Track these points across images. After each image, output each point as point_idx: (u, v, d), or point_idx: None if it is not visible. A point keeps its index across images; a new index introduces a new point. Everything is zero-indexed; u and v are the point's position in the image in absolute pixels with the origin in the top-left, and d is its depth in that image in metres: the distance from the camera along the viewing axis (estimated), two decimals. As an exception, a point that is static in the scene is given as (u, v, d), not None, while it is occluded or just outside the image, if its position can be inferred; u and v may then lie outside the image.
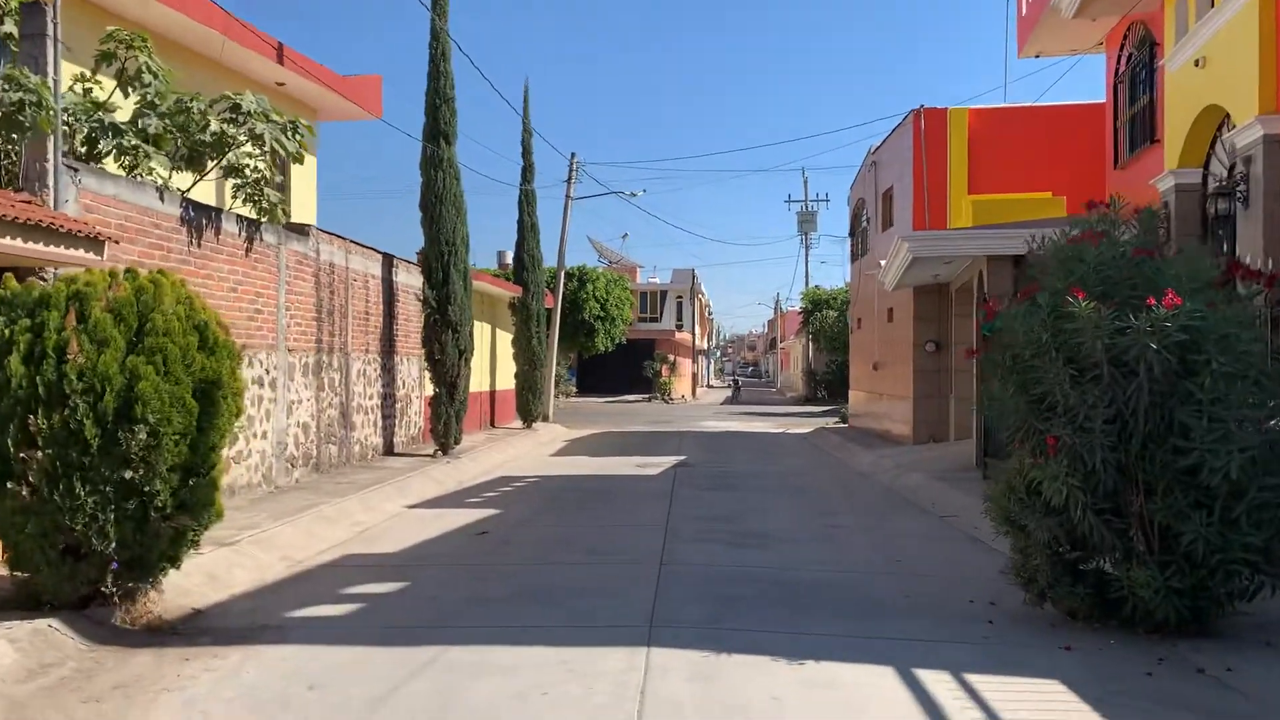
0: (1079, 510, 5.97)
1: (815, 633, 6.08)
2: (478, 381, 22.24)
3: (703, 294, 66.53)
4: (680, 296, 60.35)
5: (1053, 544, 6.21)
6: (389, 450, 16.23)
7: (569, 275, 36.50)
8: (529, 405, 23.92)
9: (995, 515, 6.60)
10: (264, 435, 11.51)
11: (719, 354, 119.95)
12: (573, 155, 28.51)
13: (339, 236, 14.32)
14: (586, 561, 8.21)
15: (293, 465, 12.32)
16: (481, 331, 22.80)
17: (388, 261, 16.28)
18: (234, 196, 11.10)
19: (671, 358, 51.35)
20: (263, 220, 11.37)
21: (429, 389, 16.73)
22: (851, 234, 26.08)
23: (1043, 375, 6.07)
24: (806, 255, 51.84)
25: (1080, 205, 14.03)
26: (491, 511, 11.21)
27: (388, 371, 16.20)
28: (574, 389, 49.87)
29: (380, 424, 15.79)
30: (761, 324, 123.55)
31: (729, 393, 63.27)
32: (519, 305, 23.73)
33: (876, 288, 22.12)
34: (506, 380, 24.26)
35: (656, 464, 16.75)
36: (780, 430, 27.88)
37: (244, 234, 11.11)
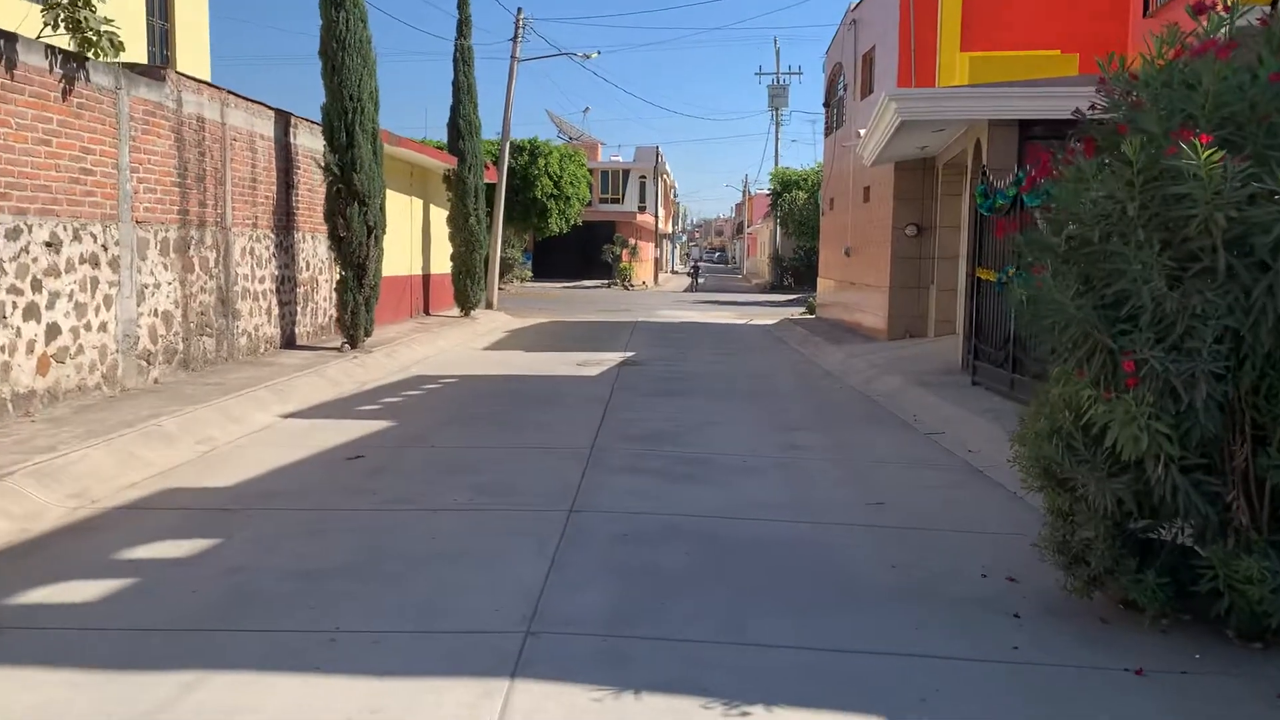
0: (1160, 466, 4.04)
1: (765, 643, 4.15)
2: (406, 264, 19.98)
3: (667, 174, 63.70)
4: (644, 177, 57.58)
5: (1116, 512, 4.28)
6: (289, 343, 14.06)
7: (519, 149, 33.79)
8: (466, 291, 21.70)
9: (1029, 466, 4.65)
10: (102, 327, 9.30)
11: (685, 238, 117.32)
12: (519, 11, 25.62)
13: (212, 85, 11.83)
14: (469, 506, 6.22)
15: (148, 363, 10.16)
16: (412, 207, 20.40)
17: (283, 120, 13.80)
18: (46, 19, 8.63)
19: (633, 242, 49.00)
20: (87, 55, 8.93)
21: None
22: (826, 104, 23.66)
23: (1122, 267, 4.03)
24: (777, 133, 49.10)
25: (1094, 63, 11.80)
26: (382, 424, 9.17)
27: (285, 250, 13.90)
28: (529, 274, 47.58)
29: (276, 312, 13.58)
30: (730, 208, 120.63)
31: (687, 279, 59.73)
32: (454, 179, 21.25)
33: (852, 164, 19.90)
34: (444, 263, 21.97)
35: (599, 361, 14.75)
36: (742, 321, 25.95)
37: (59, 71, 8.66)
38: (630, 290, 45.71)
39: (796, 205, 39.29)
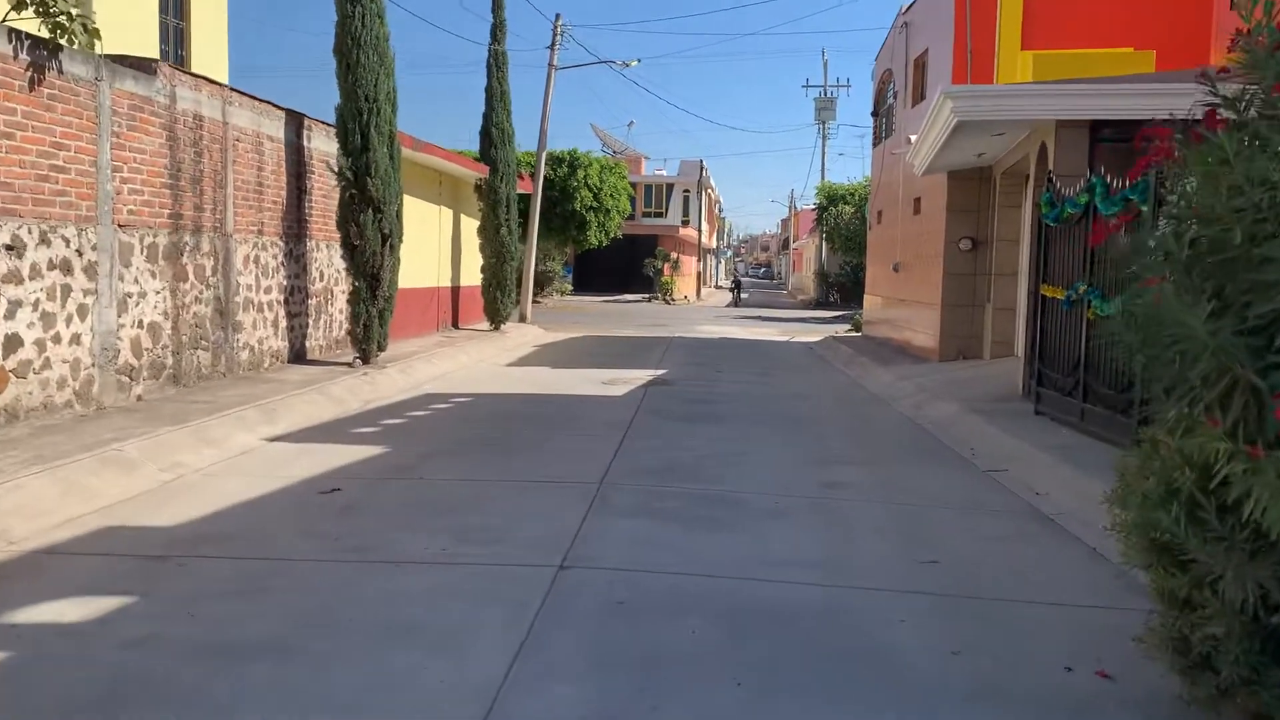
0: (1324, 550, 2.97)
1: (787, 772, 3.14)
2: (433, 275, 19.20)
3: (711, 188, 62.75)
4: (687, 191, 56.75)
5: (1257, 605, 3.21)
6: (299, 357, 13.27)
7: (558, 160, 33.03)
8: (496, 304, 20.86)
9: (1133, 538, 3.58)
10: (75, 339, 8.52)
11: (730, 253, 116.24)
12: (557, 17, 24.84)
13: (212, 82, 11.08)
14: (440, 558, 5.26)
15: (131, 378, 9.36)
16: (441, 217, 19.64)
17: (295, 122, 13.04)
18: (10, 0, 7.89)
19: (674, 255, 48.07)
20: (60, 42, 8.18)
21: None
22: (875, 113, 22.56)
23: (1274, 279, 2.97)
24: (824, 147, 47.91)
25: (1173, 60, 10.57)
26: (373, 450, 8.27)
27: (295, 259, 13.12)
28: (569, 287, 46.86)
29: (284, 324, 12.79)
30: (776, 223, 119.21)
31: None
32: (486, 188, 20.46)
33: (902, 174, 18.79)
34: (475, 275, 21.16)
35: (628, 380, 13.77)
36: (784, 338, 24.85)
37: (25, 57, 7.90)
38: (671, 305, 44.74)
39: (842, 220, 38.10)
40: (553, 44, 24.73)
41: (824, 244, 43.62)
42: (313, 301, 13.68)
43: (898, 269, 19.24)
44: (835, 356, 19.06)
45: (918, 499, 7.07)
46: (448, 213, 20.14)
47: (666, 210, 56.59)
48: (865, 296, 24.10)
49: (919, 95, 17.75)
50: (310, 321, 13.64)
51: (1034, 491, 7.35)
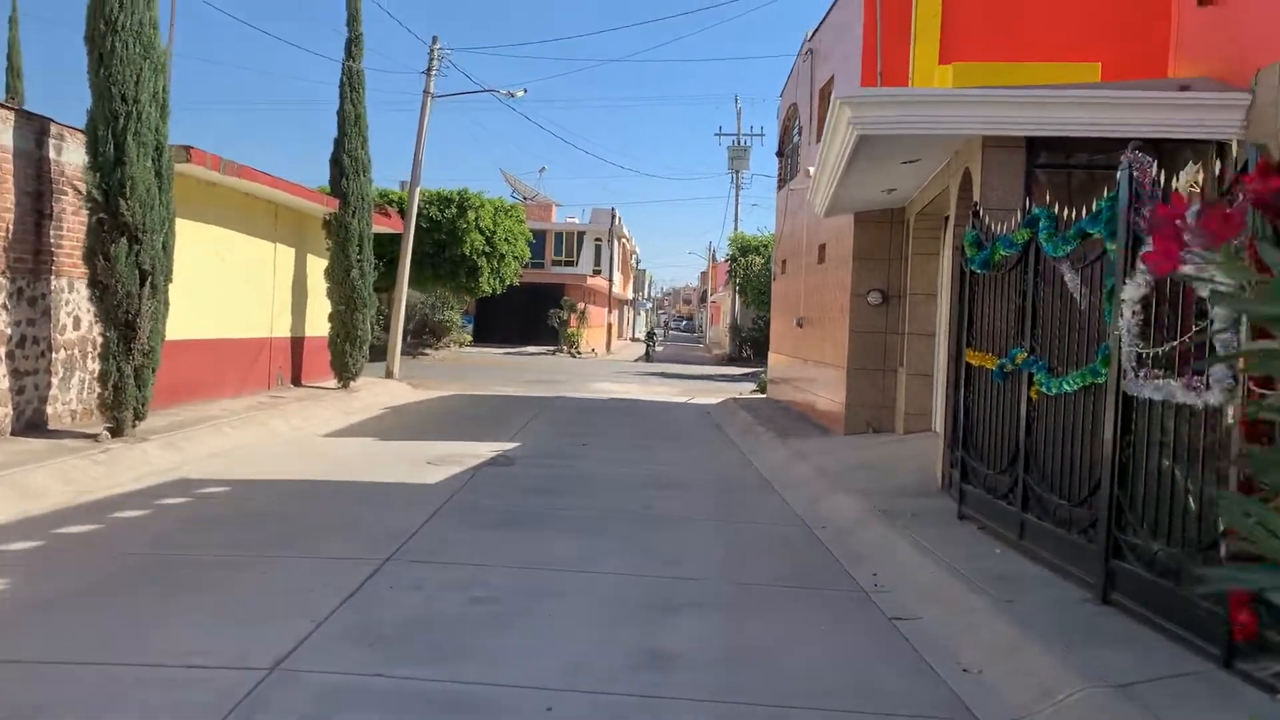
0: None
1: None
2: (264, 324, 16.34)
3: (626, 237, 60.70)
4: (599, 239, 54.57)
5: None
6: (34, 425, 10.33)
7: (445, 200, 30.38)
8: (345, 357, 18.00)
9: None
10: None
11: (650, 305, 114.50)
12: (434, 39, 22.36)
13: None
14: None
15: None
16: (277, 256, 16.82)
17: (32, 126, 10.23)
18: None
19: (581, 306, 45.61)
20: None
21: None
22: (780, 153, 20.46)
23: None
24: (737, 197, 46.28)
25: (1125, 76, 8.62)
26: (-25, 591, 5.44)
27: (30, 302, 10.23)
28: (468, 337, 44.06)
29: (5, 385, 9.86)
30: (697, 275, 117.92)
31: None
32: (335, 224, 17.71)
33: (806, 219, 16.61)
34: (323, 324, 18.32)
35: (463, 457, 11.09)
36: (683, 399, 22.40)
37: None
38: (577, 358, 42.14)
39: (753, 271, 36.08)
40: (429, 69, 22.20)
41: (736, 297, 41.59)
42: (59, 355, 10.76)
43: (801, 324, 16.97)
44: (731, 423, 16.62)
45: (784, 688, 4.51)
46: (287, 251, 17.32)
47: (578, 259, 54.22)
48: (770, 354, 21.83)
49: (824, 129, 15.60)
50: (55, 381, 10.71)
51: (960, 665, 4.87)
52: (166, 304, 10.63)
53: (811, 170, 12.20)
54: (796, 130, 18.47)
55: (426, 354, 35.72)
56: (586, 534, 7.51)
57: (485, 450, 11.77)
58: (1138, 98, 7.03)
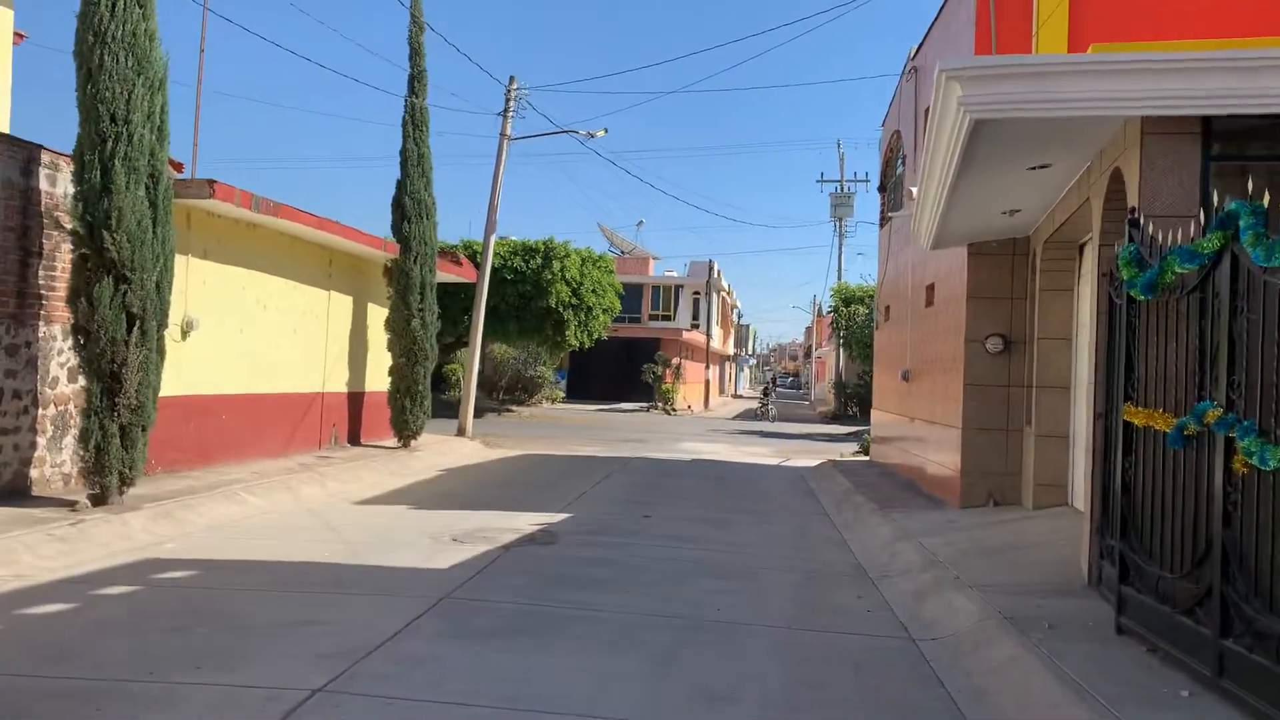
0: None
1: None
2: (314, 377, 15.10)
3: (725, 290, 59.00)
4: (697, 293, 52.97)
5: None
6: (15, 490, 9.09)
7: (530, 251, 29.20)
8: (405, 414, 16.64)
9: None
10: None
11: (753, 361, 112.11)
12: (511, 80, 21.25)
13: None
14: None
15: None
16: (331, 305, 15.64)
17: (18, 154, 9.12)
18: None
19: (676, 361, 43.91)
20: None
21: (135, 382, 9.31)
22: (882, 187, 18.51)
23: None
24: (840, 245, 43.99)
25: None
26: None
27: (8, 352, 9.02)
28: (561, 394, 42.86)
29: (-26, 445, 8.62)
30: (803, 330, 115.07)
31: (756, 405, 48.87)
32: (395, 270, 16.48)
33: (911, 256, 14.62)
34: (384, 379, 17.04)
35: (500, 532, 9.39)
36: (777, 461, 20.35)
37: None
38: (672, 415, 40.33)
39: (856, 323, 33.84)
40: (505, 110, 21.06)
41: (840, 351, 39.30)
42: (47, 411, 9.52)
43: (907, 377, 14.86)
44: (827, 491, 14.55)
45: None
46: (343, 300, 16.13)
47: (675, 313, 52.74)
48: (873, 412, 19.64)
49: (932, 154, 13.64)
50: (42, 440, 9.46)
51: None
52: (162, 353, 9.30)
53: (915, 191, 10.27)
54: (900, 160, 16.53)
55: (512, 410, 34.47)
56: (608, 649, 5.66)
57: (528, 523, 10.05)
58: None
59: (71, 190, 9.01)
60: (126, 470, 8.99)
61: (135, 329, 8.88)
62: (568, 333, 29.98)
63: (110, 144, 8.71)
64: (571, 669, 5.24)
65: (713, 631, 6.22)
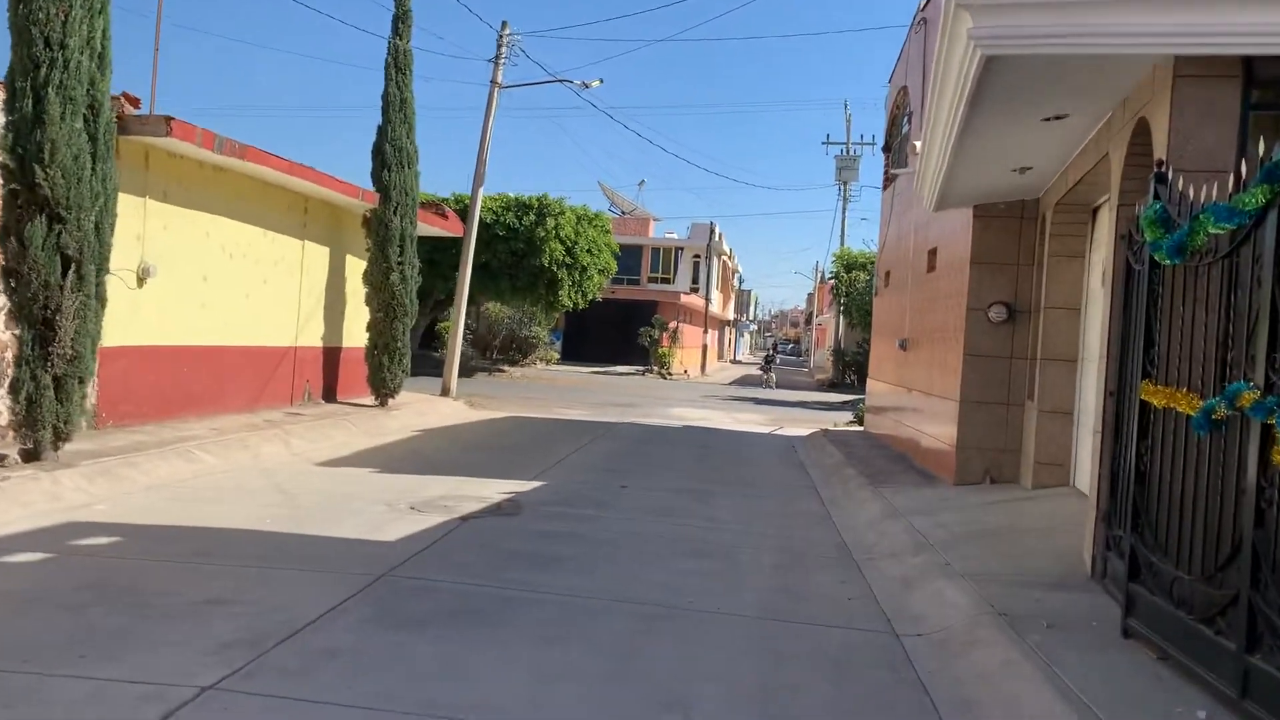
0: None
1: None
2: (288, 331, 14.48)
3: (726, 254, 58.16)
4: (697, 256, 52.22)
5: None
6: (-61, 444, 8.46)
7: (524, 207, 28.42)
8: (382, 371, 16.02)
9: None
10: None
11: (753, 327, 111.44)
12: (503, 25, 20.39)
13: None
14: None
15: None
16: (306, 256, 14.96)
17: (-54, 79, 8.40)
18: None
19: (673, 324, 43.24)
20: None
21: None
22: (886, 148, 17.76)
23: None
24: (844, 210, 43.26)
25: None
26: None
27: (-66, 293, 8.37)
28: (555, 355, 42.21)
29: (-107, 394, 7.99)
30: (804, 297, 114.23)
31: (756, 372, 46.91)
32: (374, 221, 15.78)
33: (914, 218, 13.92)
34: (363, 334, 16.40)
35: (463, 500, 8.80)
36: (769, 429, 19.76)
37: None
38: (667, 379, 39.75)
39: (856, 290, 33.11)
40: (497, 57, 20.20)
41: (840, 318, 38.59)
42: (-20, 359, 8.90)
43: (905, 346, 14.21)
44: (816, 462, 13.96)
45: None
46: (319, 251, 15.45)
47: (674, 276, 52.00)
48: (869, 381, 19.01)
49: (939, 111, 12.89)
50: (-26, 390, 8.84)
51: None
52: (102, 300, 8.64)
53: (919, 146, 9.56)
54: (906, 119, 15.76)
55: (504, 371, 33.87)
56: (558, 642, 5.06)
57: (496, 491, 9.45)
58: None
59: (1, 121, 8.31)
60: (62, 425, 8.36)
61: (71, 272, 8.21)
62: (561, 292, 29.27)
63: (44, 70, 7.99)
64: (510, 666, 4.64)
65: (680, 620, 5.62)
